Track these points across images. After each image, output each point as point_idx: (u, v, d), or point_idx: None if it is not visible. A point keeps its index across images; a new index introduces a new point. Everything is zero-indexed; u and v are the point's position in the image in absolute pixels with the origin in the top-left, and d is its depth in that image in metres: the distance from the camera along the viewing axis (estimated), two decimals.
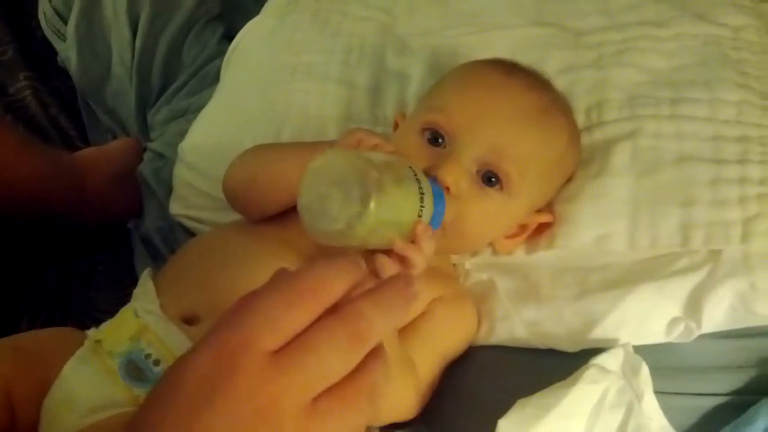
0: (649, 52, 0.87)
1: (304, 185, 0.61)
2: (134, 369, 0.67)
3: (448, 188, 0.69)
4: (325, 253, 0.63)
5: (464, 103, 0.74)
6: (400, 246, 0.64)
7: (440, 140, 0.73)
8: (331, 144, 0.71)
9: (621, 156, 0.79)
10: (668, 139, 0.79)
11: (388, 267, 0.64)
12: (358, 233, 0.60)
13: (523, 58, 0.83)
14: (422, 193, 0.64)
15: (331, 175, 0.60)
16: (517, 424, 0.61)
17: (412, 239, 0.65)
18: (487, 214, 0.73)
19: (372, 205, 0.59)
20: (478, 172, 0.72)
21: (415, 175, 0.65)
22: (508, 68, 0.78)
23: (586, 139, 0.82)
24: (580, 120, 0.83)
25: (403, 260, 0.65)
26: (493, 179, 0.72)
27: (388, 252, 0.65)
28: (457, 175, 0.70)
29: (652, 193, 0.77)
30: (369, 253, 0.65)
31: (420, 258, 0.65)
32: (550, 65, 0.87)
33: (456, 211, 0.69)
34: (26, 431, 0.68)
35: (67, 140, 1.18)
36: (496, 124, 0.73)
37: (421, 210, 0.64)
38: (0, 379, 0.67)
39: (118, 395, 0.66)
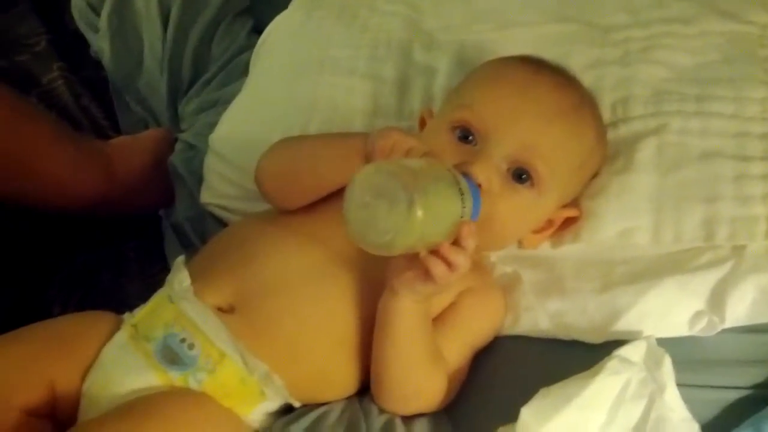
0: (675, 49, 0.88)
1: (349, 199, 0.64)
2: (170, 353, 0.70)
3: (479, 185, 0.70)
4: (354, 248, 0.65)
5: (493, 100, 0.75)
6: (445, 250, 0.66)
7: (470, 138, 0.75)
8: (363, 137, 0.73)
9: (646, 152, 0.80)
10: (693, 136, 0.80)
11: (437, 266, 0.66)
12: (406, 241, 0.63)
13: (549, 54, 0.84)
14: (462, 194, 0.66)
15: (375, 188, 0.63)
16: (539, 413, 0.63)
17: (456, 239, 0.67)
18: (517, 210, 0.75)
19: (419, 213, 0.61)
20: (508, 169, 0.74)
21: (454, 175, 0.67)
22: (536, 65, 0.79)
23: (611, 135, 0.84)
24: (606, 115, 0.85)
25: (449, 263, 0.66)
26: (523, 176, 0.74)
27: (434, 252, 0.66)
28: (489, 173, 0.72)
29: (676, 188, 0.78)
30: (415, 256, 0.67)
31: (465, 259, 0.67)
32: (576, 61, 0.88)
33: (487, 208, 0.70)
34: (67, 415, 0.70)
35: (99, 130, 1.20)
36: (526, 121, 0.74)
37: (463, 210, 0.66)
38: (41, 365, 0.70)
39: (154, 378, 0.69)
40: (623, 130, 0.83)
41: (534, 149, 0.73)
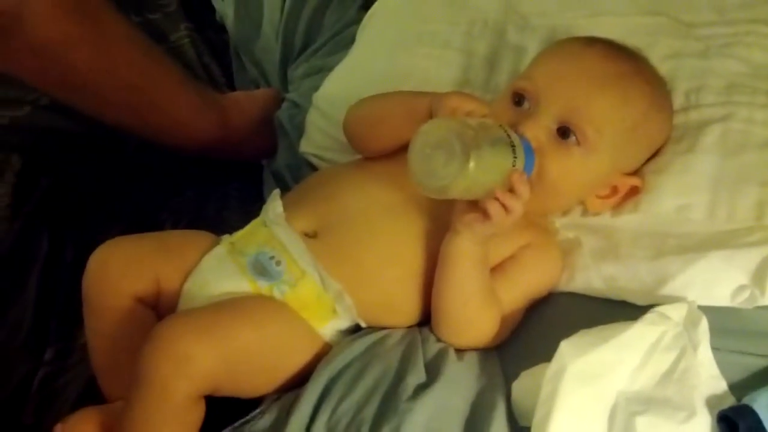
0: (754, 47, 0.92)
1: (413, 149, 0.75)
2: (260, 267, 0.80)
3: (528, 142, 0.78)
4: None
5: (547, 69, 0.85)
6: (500, 194, 0.75)
7: (524, 103, 0.83)
8: (431, 97, 0.82)
9: (711, 136, 0.86)
10: (758, 125, 0.85)
11: (493, 208, 0.75)
12: (460, 186, 0.73)
13: (633, 44, 0.90)
14: (513, 147, 0.75)
15: (435, 139, 0.73)
16: (577, 347, 0.69)
17: (510, 188, 0.75)
18: (567, 168, 0.82)
19: (471, 162, 0.71)
20: (558, 129, 0.81)
21: (506, 132, 0.76)
22: (590, 40, 0.87)
23: (681, 119, 0.89)
24: (679, 101, 0.90)
25: (503, 207, 0.75)
26: (570, 135, 0.81)
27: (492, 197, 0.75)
28: (537, 131, 0.80)
29: (735, 171, 0.83)
30: (473, 202, 0.76)
31: (518, 204, 0.75)
32: (657, 51, 0.93)
33: (539, 165, 0.79)
34: (167, 309, 0.82)
35: (216, 86, 1.32)
36: (573, 85, 0.82)
37: (514, 161, 0.75)
38: (151, 263, 0.82)
39: (244, 285, 0.79)
40: (693, 116, 0.89)
41: (580, 110, 0.81)
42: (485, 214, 0.76)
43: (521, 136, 0.78)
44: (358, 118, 0.91)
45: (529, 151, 0.77)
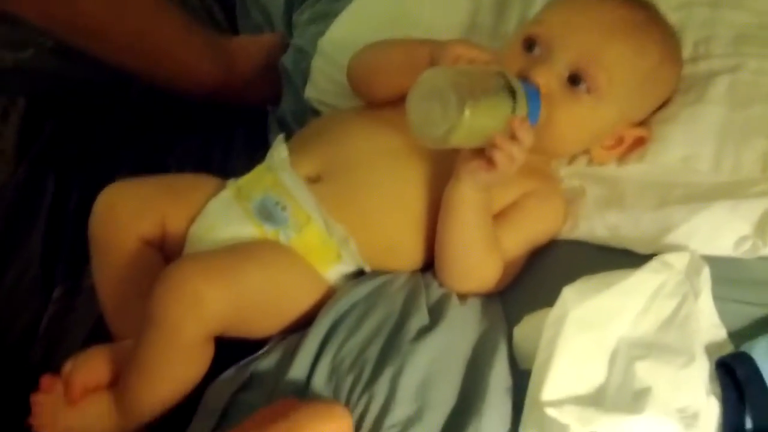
0: None
1: (411, 99, 0.75)
2: (265, 211, 0.81)
3: (539, 89, 0.78)
4: None
5: (560, 15, 0.84)
6: (500, 141, 0.75)
7: (535, 48, 0.82)
8: (432, 46, 0.82)
9: (719, 87, 0.85)
10: (767, 76, 0.85)
11: (497, 155, 0.75)
12: (458, 136, 0.73)
13: None
14: (513, 94, 0.75)
15: (432, 89, 0.73)
16: (579, 293, 0.70)
17: (511, 135, 0.75)
18: (576, 115, 0.82)
19: (466, 111, 0.71)
20: (569, 77, 0.81)
21: (507, 79, 0.75)
22: None
23: (690, 70, 0.89)
24: (688, 51, 0.90)
25: (506, 153, 0.75)
26: (581, 82, 0.80)
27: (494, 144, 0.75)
28: (548, 77, 0.80)
29: (742, 122, 0.83)
30: (477, 149, 0.76)
31: (518, 149, 0.75)
32: (667, 0, 0.92)
33: (547, 112, 0.78)
34: (172, 251, 0.83)
35: (220, 31, 1.31)
36: (587, 32, 0.81)
37: (513, 107, 0.75)
38: (157, 204, 0.83)
39: (251, 229, 0.80)
40: (702, 67, 0.88)
41: (593, 58, 0.80)
42: (489, 162, 0.76)
43: (531, 83, 0.78)
44: (361, 66, 0.91)
45: (535, 98, 0.77)
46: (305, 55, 1.13)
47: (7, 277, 0.93)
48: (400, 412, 0.68)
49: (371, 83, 0.90)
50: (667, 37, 0.87)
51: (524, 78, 0.78)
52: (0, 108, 1.10)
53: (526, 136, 0.75)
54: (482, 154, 0.77)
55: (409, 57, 0.84)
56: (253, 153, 1.00)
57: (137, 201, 0.81)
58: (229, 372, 0.74)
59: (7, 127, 1.09)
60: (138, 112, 1.14)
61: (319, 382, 0.70)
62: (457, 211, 0.79)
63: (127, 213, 0.80)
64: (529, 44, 0.83)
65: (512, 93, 0.75)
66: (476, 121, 0.72)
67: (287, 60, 1.15)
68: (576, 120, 0.82)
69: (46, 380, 0.76)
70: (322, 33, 1.10)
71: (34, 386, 0.77)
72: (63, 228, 0.98)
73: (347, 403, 0.68)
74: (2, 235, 0.97)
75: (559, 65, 0.81)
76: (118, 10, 0.96)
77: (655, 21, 0.86)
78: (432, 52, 0.81)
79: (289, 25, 1.25)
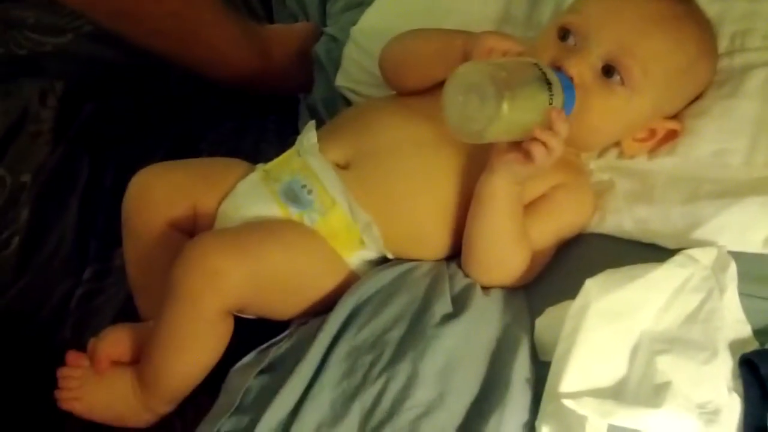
0: None
1: (446, 94, 0.74)
2: (291, 194, 0.81)
3: (572, 79, 0.77)
4: None
5: (597, 5, 0.82)
6: (540, 133, 0.74)
7: (570, 38, 0.81)
8: (465, 38, 0.81)
9: (755, 81, 0.84)
10: None
11: (536, 148, 0.74)
12: (497, 130, 0.72)
13: None
14: (550, 85, 0.74)
15: (468, 83, 0.72)
16: (602, 285, 0.70)
17: (549, 126, 0.74)
18: (610, 107, 0.80)
19: (504, 104, 0.70)
20: (603, 68, 0.80)
21: (542, 70, 0.74)
22: None
23: (725, 63, 0.87)
24: (724, 44, 0.88)
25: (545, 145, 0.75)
26: (616, 74, 0.79)
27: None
28: (582, 68, 0.79)
29: None
30: (513, 142, 0.76)
31: (557, 142, 0.75)
32: None
33: (580, 102, 0.77)
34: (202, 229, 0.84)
35: (256, 18, 1.32)
36: (624, 24, 0.80)
37: (551, 99, 0.74)
38: (188, 189, 0.84)
39: (277, 210, 0.81)
40: (738, 60, 0.87)
41: (629, 50, 0.79)
42: (526, 155, 0.75)
43: (564, 73, 0.77)
44: (393, 55, 0.91)
45: (569, 88, 0.76)
46: (338, 44, 1.13)
47: (40, 256, 0.95)
48: (421, 394, 0.68)
49: (403, 73, 0.90)
50: (704, 31, 0.85)
51: (557, 68, 0.78)
52: (38, 91, 1.12)
53: (563, 127, 0.74)
54: (518, 146, 0.76)
55: (441, 48, 0.84)
56: (285, 140, 1.01)
57: (169, 186, 0.83)
58: (251, 355, 0.74)
59: (46, 109, 1.11)
60: (173, 98, 1.15)
61: (336, 359, 0.70)
62: (490, 204, 0.79)
63: (160, 197, 0.82)
64: (564, 33, 0.82)
65: (548, 84, 0.74)
66: (514, 114, 0.71)
67: (320, 48, 1.15)
68: (608, 111, 0.81)
69: (72, 355, 0.78)
70: (354, 21, 1.10)
71: (62, 364, 0.79)
72: (96, 209, 1.00)
73: (363, 381, 0.68)
74: (37, 214, 0.99)
75: (593, 56, 0.80)
76: None
77: (692, 15, 0.85)
78: (465, 43, 0.81)
79: (323, 15, 1.26)
